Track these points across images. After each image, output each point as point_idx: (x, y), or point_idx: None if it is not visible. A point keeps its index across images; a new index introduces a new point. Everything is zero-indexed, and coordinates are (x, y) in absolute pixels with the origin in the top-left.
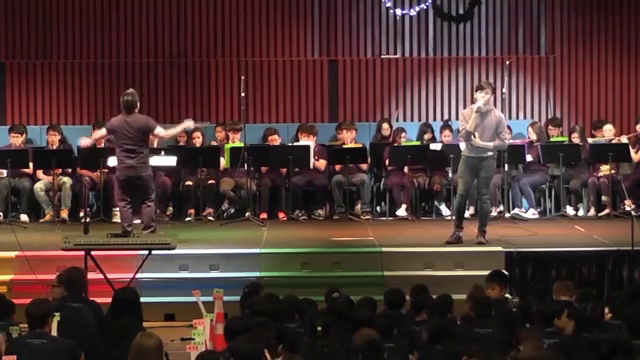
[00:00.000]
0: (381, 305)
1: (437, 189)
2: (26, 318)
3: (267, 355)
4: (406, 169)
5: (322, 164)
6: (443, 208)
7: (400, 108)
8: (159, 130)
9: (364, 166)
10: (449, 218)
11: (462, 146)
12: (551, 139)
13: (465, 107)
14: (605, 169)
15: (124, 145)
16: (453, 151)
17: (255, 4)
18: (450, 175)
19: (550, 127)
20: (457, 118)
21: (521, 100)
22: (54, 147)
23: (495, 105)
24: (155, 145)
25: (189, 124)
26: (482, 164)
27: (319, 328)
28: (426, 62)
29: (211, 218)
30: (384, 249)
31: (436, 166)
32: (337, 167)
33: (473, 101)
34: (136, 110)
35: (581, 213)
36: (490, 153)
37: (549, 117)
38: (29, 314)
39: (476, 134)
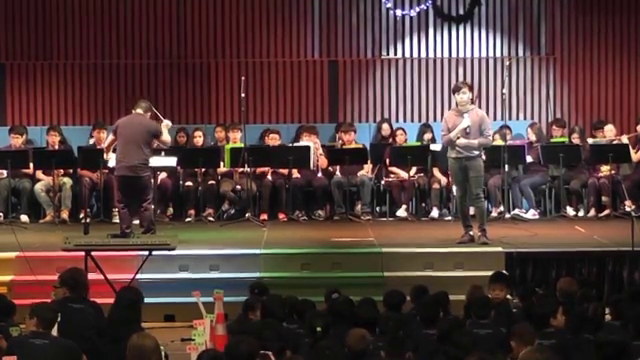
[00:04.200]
0: (381, 306)
1: (436, 187)
2: (37, 319)
3: (271, 357)
4: (396, 169)
5: (325, 162)
6: (434, 209)
7: (400, 108)
8: (164, 137)
9: (367, 168)
10: (449, 219)
11: (437, 147)
12: (554, 139)
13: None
14: (605, 170)
15: (124, 142)
16: None
17: (255, 5)
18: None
19: (554, 127)
20: None
21: (521, 101)
22: (54, 147)
23: (495, 106)
24: (155, 146)
25: (167, 123)
26: (470, 164)
27: (318, 329)
28: (426, 62)
29: (211, 219)
30: (384, 250)
31: (436, 167)
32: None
33: (457, 104)
34: (147, 115)
35: (581, 214)
36: (476, 152)
37: (549, 118)
38: (39, 315)
39: (460, 135)
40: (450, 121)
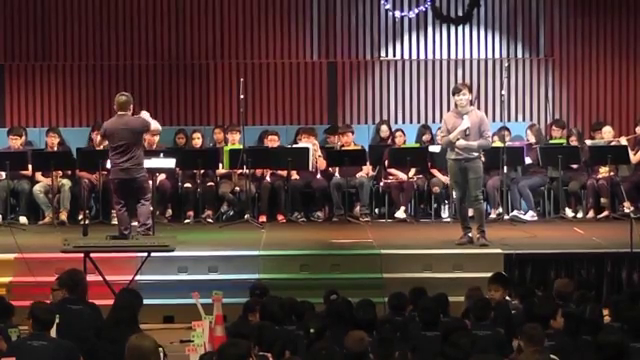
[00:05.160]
0: (380, 308)
1: (436, 191)
2: (32, 320)
3: (270, 358)
4: (395, 171)
5: (323, 163)
6: (444, 210)
7: (399, 110)
8: (154, 126)
9: (366, 170)
10: (448, 220)
11: (437, 148)
12: (554, 140)
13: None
14: (604, 171)
15: (117, 146)
16: None
17: (254, 6)
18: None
19: (554, 127)
20: None
21: (520, 102)
22: (54, 149)
23: (494, 107)
24: (154, 147)
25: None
26: (469, 165)
27: (312, 330)
28: (425, 64)
29: (210, 220)
30: (383, 251)
31: (435, 168)
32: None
33: (456, 106)
34: (129, 111)
35: (580, 215)
36: (475, 154)
37: (548, 119)
38: (36, 317)
39: (460, 136)
40: (449, 122)
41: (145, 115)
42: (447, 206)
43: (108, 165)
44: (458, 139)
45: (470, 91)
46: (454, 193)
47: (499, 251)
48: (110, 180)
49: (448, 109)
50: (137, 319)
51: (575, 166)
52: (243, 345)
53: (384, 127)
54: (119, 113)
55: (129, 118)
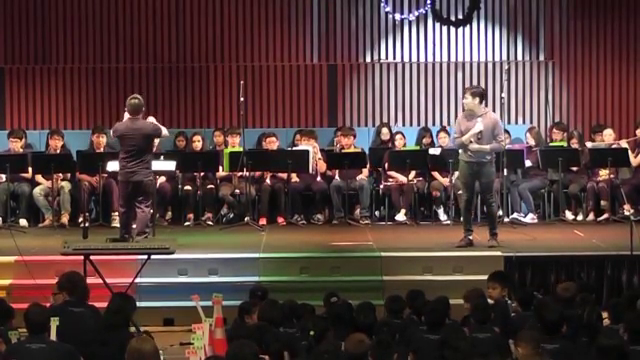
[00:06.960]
0: (380, 310)
1: (436, 195)
2: (25, 323)
3: None
4: (395, 173)
5: (323, 166)
6: (441, 213)
7: (399, 112)
8: (164, 132)
9: (365, 171)
10: (448, 223)
11: (437, 151)
12: (555, 142)
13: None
14: (604, 174)
15: (128, 150)
16: (452, 155)
17: (254, 9)
18: (448, 180)
19: (555, 130)
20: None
21: (520, 105)
22: (57, 152)
23: (494, 110)
24: (155, 150)
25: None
26: (481, 169)
27: (311, 333)
28: (425, 67)
29: (210, 223)
30: (383, 254)
31: (435, 170)
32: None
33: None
34: (141, 115)
35: (580, 218)
36: (488, 157)
37: (548, 122)
38: (29, 320)
39: (472, 139)
40: (462, 124)
41: (152, 120)
42: (447, 209)
43: (108, 167)
44: (471, 142)
45: (476, 95)
46: (461, 193)
47: (499, 253)
48: (118, 182)
49: (448, 112)
50: (129, 323)
51: (575, 169)
52: (253, 345)
53: (385, 130)
54: (131, 117)
55: (142, 123)
